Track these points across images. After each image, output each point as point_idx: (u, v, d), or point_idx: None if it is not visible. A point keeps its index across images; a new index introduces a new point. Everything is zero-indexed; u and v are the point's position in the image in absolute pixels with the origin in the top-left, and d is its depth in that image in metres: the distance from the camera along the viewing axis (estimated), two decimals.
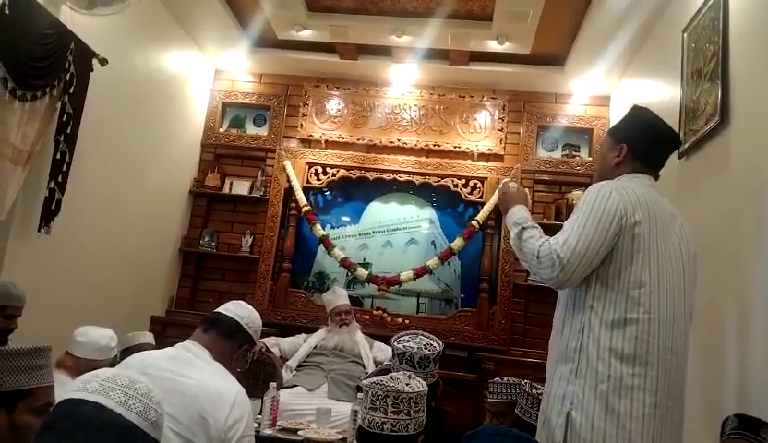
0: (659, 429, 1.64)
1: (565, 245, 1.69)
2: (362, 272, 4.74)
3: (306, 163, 5.01)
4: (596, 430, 1.63)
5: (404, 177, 4.92)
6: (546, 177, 4.90)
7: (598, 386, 1.65)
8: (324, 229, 4.89)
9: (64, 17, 3.22)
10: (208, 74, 5.24)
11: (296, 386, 3.66)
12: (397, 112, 5.07)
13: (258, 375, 3.73)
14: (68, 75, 3.23)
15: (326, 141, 5.07)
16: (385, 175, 4.94)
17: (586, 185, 4.65)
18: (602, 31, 3.97)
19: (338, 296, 4.18)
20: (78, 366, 2.35)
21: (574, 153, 4.91)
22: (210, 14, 4.40)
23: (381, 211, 5.02)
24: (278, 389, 3.22)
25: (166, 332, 4.35)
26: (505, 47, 4.42)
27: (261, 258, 4.86)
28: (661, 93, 3.57)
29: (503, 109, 4.96)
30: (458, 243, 4.72)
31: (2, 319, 2.57)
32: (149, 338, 3.23)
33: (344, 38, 4.56)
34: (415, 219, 4.97)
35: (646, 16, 3.69)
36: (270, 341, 3.99)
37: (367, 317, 4.62)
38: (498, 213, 4.58)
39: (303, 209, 4.88)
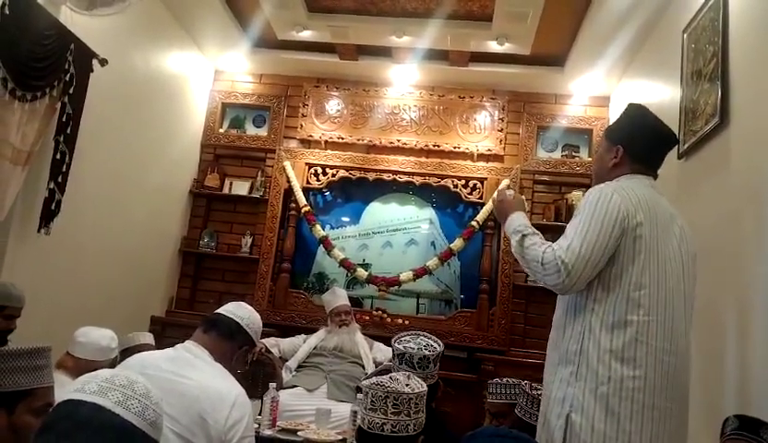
0: (658, 430, 1.64)
1: (569, 249, 1.68)
2: (361, 273, 4.74)
3: (306, 164, 5.01)
4: (596, 432, 1.63)
5: (404, 178, 4.92)
6: (545, 178, 4.90)
7: (598, 388, 1.65)
8: (324, 229, 4.89)
9: (64, 17, 3.22)
10: (208, 74, 5.24)
11: (296, 386, 3.66)
12: (397, 112, 5.07)
13: (257, 375, 3.73)
14: (68, 75, 3.23)
15: (326, 142, 5.07)
16: (385, 176, 4.94)
17: (586, 186, 4.67)
18: (602, 32, 3.97)
19: (337, 297, 4.18)
20: (79, 367, 2.35)
21: (574, 154, 4.91)
22: (210, 14, 4.40)
23: (381, 212, 5.02)
24: (278, 390, 3.22)
25: (166, 333, 4.35)
26: (505, 48, 4.42)
27: (261, 259, 4.86)
28: (661, 94, 3.57)
29: (503, 109, 4.97)
30: (458, 243, 4.72)
31: (1, 320, 2.57)
32: (148, 338, 3.23)
33: (344, 38, 4.56)
34: (415, 219, 4.97)
35: (646, 16, 3.69)
36: (270, 342, 3.99)
37: (367, 317, 4.62)
38: None
39: (302, 210, 4.88)
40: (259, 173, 5.08)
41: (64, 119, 3.25)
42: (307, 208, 4.88)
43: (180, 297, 4.97)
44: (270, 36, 4.70)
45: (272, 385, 3.16)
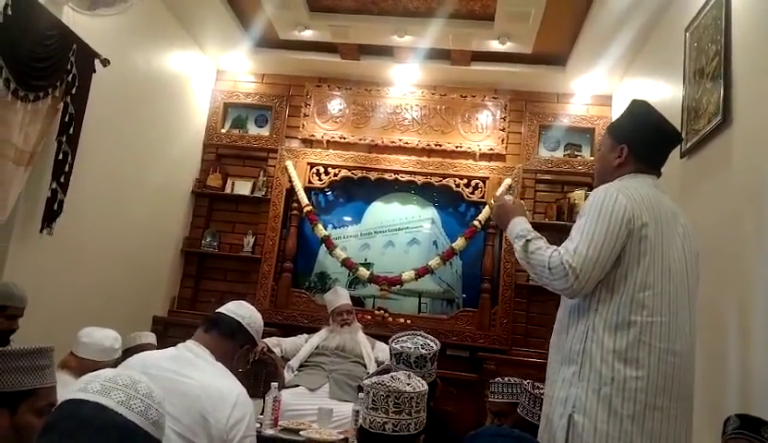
0: (660, 431, 1.63)
1: (576, 253, 1.66)
2: (363, 272, 4.74)
3: (308, 163, 5.01)
4: (599, 433, 1.63)
5: (406, 177, 4.92)
6: (547, 177, 4.90)
7: (601, 388, 1.65)
8: (326, 229, 4.89)
9: (66, 17, 3.22)
10: (209, 74, 5.24)
11: (298, 386, 3.66)
12: (398, 112, 5.07)
13: (259, 375, 3.73)
14: (70, 75, 3.23)
15: (327, 141, 5.07)
16: (387, 175, 4.94)
17: (588, 185, 4.67)
18: (604, 31, 3.97)
19: (339, 296, 4.18)
20: (82, 367, 2.35)
21: (576, 153, 4.90)
22: (211, 14, 4.40)
23: (383, 211, 5.02)
24: (279, 390, 3.23)
25: (168, 332, 4.36)
26: (507, 47, 4.42)
27: (263, 259, 4.86)
28: (663, 92, 3.57)
29: (505, 109, 4.96)
30: (459, 243, 4.72)
31: (3, 320, 2.58)
32: (150, 338, 3.24)
33: (346, 38, 4.57)
34: (417, 219, 4.97)
35: (648, 15, 3.69)
36: (272, 342, 3.99)
37: (369, 317, 4.62)
38: None
39: (304, 210, 4.88)
40: (261, 173, 5.09)
41: (66, 119, 3.25)
42: (309, 207, 4.88)
43: (182, 297, 4.97)
44: (271, 36, 4.70)
45: (274, 384, 3.16)
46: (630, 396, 1.63)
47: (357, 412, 2.98)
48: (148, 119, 4.26)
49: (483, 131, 4.95)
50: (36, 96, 3.02)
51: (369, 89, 5.12)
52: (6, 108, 2.87)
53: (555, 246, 1.74)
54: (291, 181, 4.95)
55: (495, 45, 4.41)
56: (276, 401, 3.08)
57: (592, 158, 4.82)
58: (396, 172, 4.93)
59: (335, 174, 4.99)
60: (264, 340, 3.81)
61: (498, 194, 2.15)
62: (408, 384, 1.66)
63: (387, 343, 3.70)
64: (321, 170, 5.00)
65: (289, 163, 4.98)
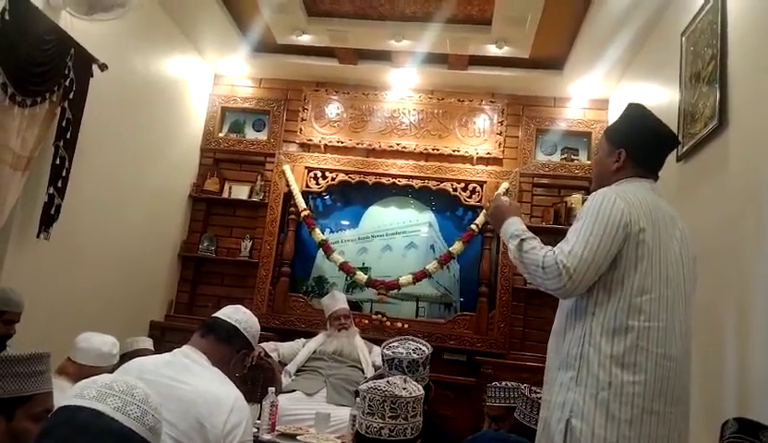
0: (656, 435, 1.63)
1: (571, 254, 1.67)
2: (361, 276, 4.74)
3: (306, 168, 5.02)
4: (596, 437, 1.62)
5: (403, 181, 4.93)
6: (544, 181, 4.90)
7: (599, 393, 1.65)
8: (323, 233, 4.89)
9: (63, 22, 3.23)
10: (207, 79, 5.25)
11: (295, 391, 3.65)
12: (396, 116, 5.07)
13: (256, 379, 3.73)
14: (68, 80, 3.23)
15: (325, 146, 5.08)
16: (384, 179, 4.95)
17: (585, 189, 4.67)
18: (600, 35, 3.98)
19: (337, 301, 4.18)
20: (80, 373, 2.35)
21: (573, 157, 4.91)
22: (209, 19, 4.41)
23: (380, 215, 5.02)
24: (277, 394, 3.22)
25: (165, 337, 4.35)
26: (504, 51, 4.43)
27: (260, 263, 4.86)
28: (659, 97, 3.58)
29: (502, 113, 4.97)
30: (457, 247, 4.72)
31: (0, 325, 2.57)
32: (148, 343, 3.24)
33: (344, 42, 4.57)
34: (414, 223, 4.97)
35: (644, 19, 3.70)
36: (270, 346, 3.99)
37: (367, 321, 4.62)
38: None
39: (302, 214, 4.88)
40: (259, 178, 5.09)
41: (63, 124, 3.25)
42: (307, 211, 4.88)
43: (179, 301, 4.97)
44: (269, 40, 4.71)
45: (271, 389, 3.16)
46: (627, 400, 1.63)
47: (354, 416, 2.98)
48: (145, 124, 4.26)
49: (480, 135, 4.96)
50: (33, 101, 3.02)
51: (367, 93, 5.12)
52: (4, 113, 2.87)
53: (549, 247, 1.74)
54: (288, 185, 4.95)
55: (492, 49, 4.42)
56: (273, 406, 3.07)
57: (589, 162, 4.83)
58: (393, 176, 4.93)
59: (333, 179, 4.99)
60: (261, 344, 3.82)
61: (495, 195, 2.15)
62: (404, 388, 1.66)
63: None
64: (319, 174, 5.01)
65: (286, 168, 4.98)
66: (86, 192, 3.59)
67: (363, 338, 4.14)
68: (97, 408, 1.01)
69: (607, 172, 1.92)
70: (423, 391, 1.72)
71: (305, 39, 4.55)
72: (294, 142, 5.15)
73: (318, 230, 4.86)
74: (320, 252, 4.89)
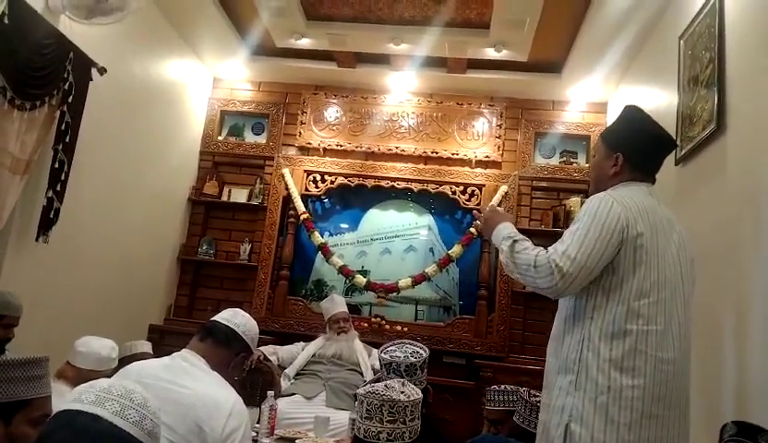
0: (655, 438, 1.63)
1: (564, 255, 1.67)
2: (360, 280, 4.74)
3: (305, 171, 5.02)
4: (596, 441, 1.62)
5: (402, 184, 4.93)
6: (543, 184, 4.91)
7: (598, 397, 1.65)
8: (322, 236, 4.89)
9: (63, 26, 3.23)
10: (206, 82, 5.25)
11: (294, 394, 3.65)
12: (395, 119, 5.08)
13: (255, 383, 3.73)
14: (67, 84, 3.24)
15: (324, 149, 5.08)
16: (383, 183, 4.95)
17: (584, 192, 4.68)
18: (599, 39, 3.99)
19: (336, 304, 4.18)
20: (79, 377, 2.34)
21: (572, 160, 4.92)
22: (208, 23, 4.41)
23: (379, 219, 5.02)
24: (276, 398, 3.21)
25: (164, 341, 4.35)
26: (502, 55, 4.43)
27: (259, 266, 4.86)
28: (658, 100, 3.59)
29: (501, 116, 4.98)
30: (456, 250, 4.72)
31: None
32: (146, 347, 3.23)
33: (342, 46, 4.58)
34: (414, 226, 4.97)
35: (643, 23, 3.71)
36: (269, 350, 3.99)
37: (366, 324, 4.62)
38: None
39: (301, 217, 4.88)
40: (258, 181, 5.09)
41: (63, 128, 3.25)
42: (306, 215, 4.88)
43: (178, 305, 4.96)
44: (268, 44, 4.71)
45: (271, 393, 3.15)
46: (626, 405, 1.63)
47: (354, 420, 2.98)
48: (144, 127, 4.26)
49: (479, 138, 4.97)
50: (33, 104, 3.02)
51: (366, 96, 5.13)
52: (3, 116, 2.88)
53: (541, 248, 1.76)
54: (287, 188, 4.95)
55: (491, 53, 4.43)
56: (272, 410, 3.07)
57: (587, 165, 4.84)
58: (393, 179, 4.94)
59: (332, 182, 4.99)
60: (260, 348, 3.81)
61: (489, 205, 2.17)
62: (402, 392, 1.66)
63: None
64: (318, 177, 5.01)
65: (286, 171, 4.98)
66: (85, 195, 3.59)
67: (362, 341, 4.13)
68: (95, 412, 1.01)
69: (605, 176, 1.92)
70: (421, 395, 1.72)
71: (304, 42, 4.55)
72: (293, 145, 5.15)
73: (317, 233, 4.86)
74: (319, 255, 4.89)
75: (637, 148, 1.89)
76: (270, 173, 5.08)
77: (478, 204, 4.81)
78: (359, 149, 5.04)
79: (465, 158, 4.93)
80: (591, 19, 3.83)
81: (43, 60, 3.05)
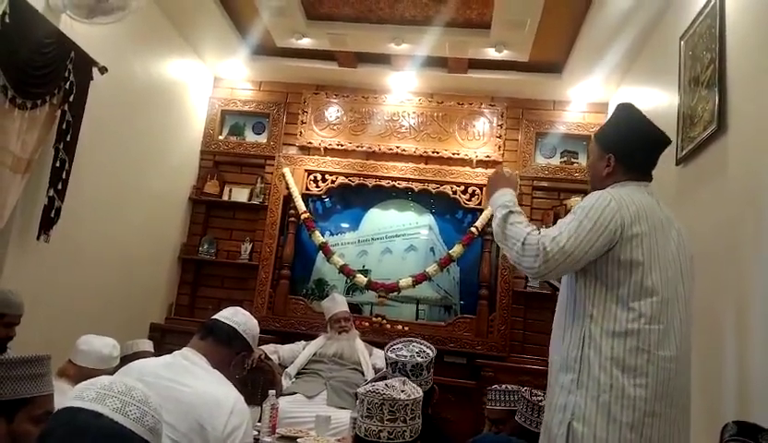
0: (658, 437, 1.63)
1: (554, 240, 1.68)
2: (361, 279, 4.74)
3: (305, 170, 5.02)
4: (598, 440, 1.62)
5: (403, 184, 4.94)
6: (544, 184, 4.91)
7: (600, 396, 1.65)
8: (323, 236, 4.89)
9: (64, 25, 3.23)
10: (207, 82, 5.25)
11: (296, 393, 3.65)
12: (396, 119, 5.08)
13: (257, 382, 3.72)
14: (68, 83, 3.24)
15: (325, 148, 5.08)
16: (384, 182, 4.95)
17: (584, 192, 4.63)
18: (600, 39, 3.99)
19: (337, 303, 4.18)
20: (81, 375, 2.35)
21: (572, 160, 4.92)
22: (209, 22, 4.41)
23: (380, 218, 5.02)
24: (277, 397, 3.21)
25: (165, 340, 4.35)
26: (503, 55, 4.43)
27: (260, 265, 4.86)
28: (658, 100, 3.59)
29: (501, 116, 4.98)
30: (457, 249, 4.73)
31: (1, 327, 2.57)
32: (147, 345, 3.23)
33: (343, 46, 4.58)
34: (414, 225, 4.98)
35: (643, 23, 3.71)
36: (270, 349, 3.99)
37: (367, 323, 4.62)
38: None
39: (302, 216, 4.89)
40: (259, 180, 5.09)
41: (64, 127, 3.26)
42: (307, 214, 4.89)
43: (179, 304, 4.97)
44: (269, 43, 4.71)
45: (272, 392, 3.15)
46: (628, 403, 1.63)
47: (355, 419, 2.98)
48: (145, 126, 4.27)
49: (480, 138, 4.97)
50: (34, 104, 3.03)
51: (366, 96, 5.13)
52: (4, 116, 2.88)
53: (535, 227, 1.77)
54: (288, 188, 4.95)
55: (491, 53, 4.43)
56: (273, 409, 3.07)
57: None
58: (393, 179, 4.94)
59: (332, 181, 5.00)
60: (261, 347, 3.82)
61: (498, 166, 2.15)
62: (402, 391, 1.66)
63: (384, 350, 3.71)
64: (319, 177, 5.02)
65: (286, 170, 4.99)
66: (86, 194, 3.59)
67: (363, 340, 4.13)
68: (96, 409, 1.02)
69: (599, 176, 1.92)
70: (421, 394, 1.72)
71: (304, 42, 4.56)
72: (294, 145, 5.16)
73: (317, 232, 4.86)
74: (320, 255, 4.90)
75: (628, 150, 1.88)
76: (271, 173, 5.08)
77: (479, 204, 4.82)
78: (360, 148, 5.04)
79: (466, 158, 4.93)
80: (591, 20, 3.83)
81: (44, 59, 3.05)
